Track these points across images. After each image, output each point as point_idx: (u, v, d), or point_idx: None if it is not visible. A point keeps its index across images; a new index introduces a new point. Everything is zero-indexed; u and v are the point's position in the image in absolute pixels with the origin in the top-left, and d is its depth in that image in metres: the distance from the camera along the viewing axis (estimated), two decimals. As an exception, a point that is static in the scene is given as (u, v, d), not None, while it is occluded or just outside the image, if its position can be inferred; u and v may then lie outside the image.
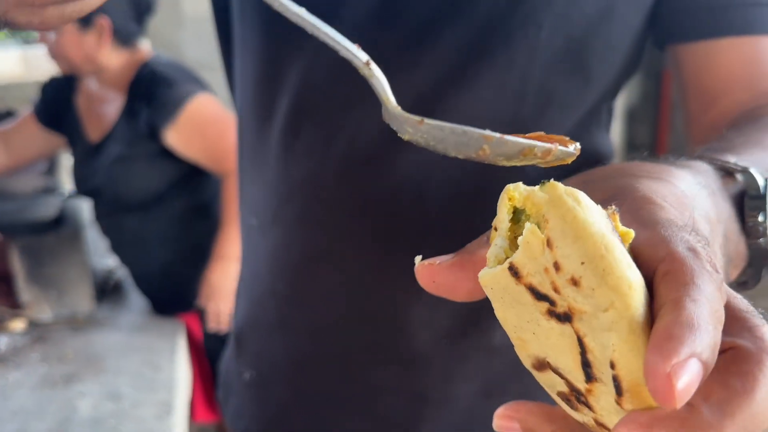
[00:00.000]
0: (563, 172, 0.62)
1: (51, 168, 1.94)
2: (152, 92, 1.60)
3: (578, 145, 0.30)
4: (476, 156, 0.30)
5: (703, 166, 0.39)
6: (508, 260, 0.27)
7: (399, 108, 0.31)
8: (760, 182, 0.41)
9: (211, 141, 1.64)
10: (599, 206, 0.27)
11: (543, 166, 0.30)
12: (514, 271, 0.27)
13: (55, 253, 1.67)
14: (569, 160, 0.30)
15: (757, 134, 0.49)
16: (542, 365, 0.29)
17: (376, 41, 0.57)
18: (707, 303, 0.24)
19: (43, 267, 1.68)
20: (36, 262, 1.67)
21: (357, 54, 0.32)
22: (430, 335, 0.64)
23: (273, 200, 0.67)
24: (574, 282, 0.25)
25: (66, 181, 1.97)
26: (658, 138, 4.22)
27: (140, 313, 1.76)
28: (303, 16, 0.32)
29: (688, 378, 0.23)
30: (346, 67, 0.60)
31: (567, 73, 0.58)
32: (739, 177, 0.41)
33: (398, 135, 0.32)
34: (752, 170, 0.41)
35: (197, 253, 1.75)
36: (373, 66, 0.32)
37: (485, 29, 0.56)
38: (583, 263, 0.25)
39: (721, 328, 0.25)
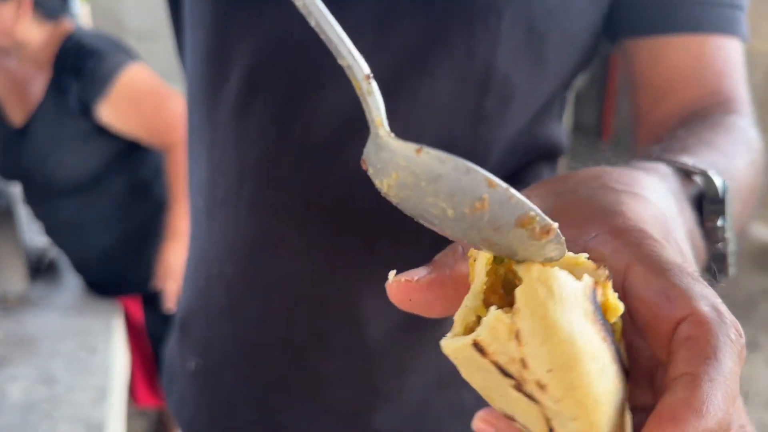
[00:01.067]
0: (518, 169, 0.62)
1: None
2: (80, 66, 1.49)
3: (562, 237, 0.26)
4: (468, 212, 0.25)
5: (664, 169, 0.39)
6: (472, 336, 0.25)
7: (393, 135, 0.26)
8: (719, 186, 0.41)
9: (148, 113, 1.56)
10: (584, 281, 0.25)
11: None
12: (479, 348, 0.25)
13: (-15, 230, 1.59)
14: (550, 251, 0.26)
15: (708, 134, 0.50)
16: (510, 418, 0.28)
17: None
18: (724, 384, 0.24)
19: (-29, 244, 1.59)
20: (-36, 239, 1.59)
21: (359, 63, 0.26)
22: (383, 326, 0.63)
23: (222, 182, 0.64)
24: (541, 386, 0.25)
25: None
26: (604, 120, 4.35)
27: (75, 294, 1.71)
28: (307, 3, 0.27)
29: None
30: (304, 46, 0.58)
31: (528, 65, 0.58)
32: (697, 179, 0.41)
33: (376, 182, 0.27)
34: (710, 173, 0.41)
35: (139, 234, 1.69)
36: (373, 82, 0.27)
37: (445, 15, 0.55)
38: (550, 371, 0.24)
39: (732, 408, 0.24)
